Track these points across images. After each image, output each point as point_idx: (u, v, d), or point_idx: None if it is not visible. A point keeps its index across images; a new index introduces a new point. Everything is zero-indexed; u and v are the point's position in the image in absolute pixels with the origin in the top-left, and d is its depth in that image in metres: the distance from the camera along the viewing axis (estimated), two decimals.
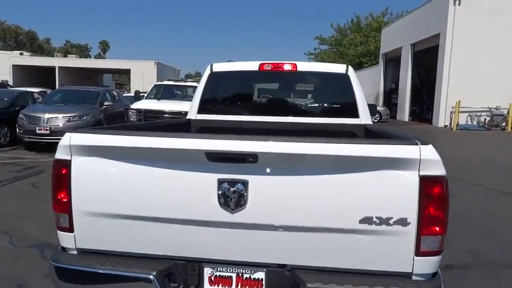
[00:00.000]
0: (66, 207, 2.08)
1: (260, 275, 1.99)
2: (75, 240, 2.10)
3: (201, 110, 4.17)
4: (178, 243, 2.02)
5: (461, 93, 18.36)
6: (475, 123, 19.14)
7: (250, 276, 2.00)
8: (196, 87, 12.17)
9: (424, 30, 21.10)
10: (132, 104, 12.11)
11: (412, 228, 1.83)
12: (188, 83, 12.74)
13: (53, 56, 50.38)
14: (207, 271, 2.02)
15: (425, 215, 1.83)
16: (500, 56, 18.05)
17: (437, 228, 1.85)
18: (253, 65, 4.15)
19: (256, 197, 1.88)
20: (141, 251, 2.06)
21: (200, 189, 1.93)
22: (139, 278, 1.96)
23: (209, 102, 4.26)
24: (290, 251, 1.95)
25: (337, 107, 4.12)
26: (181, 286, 2.03)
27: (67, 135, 2.05)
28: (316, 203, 1.87)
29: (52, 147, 10.63)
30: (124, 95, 16.27)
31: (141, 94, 12.54)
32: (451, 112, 18.94)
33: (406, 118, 23.84)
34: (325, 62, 42.63)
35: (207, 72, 4.19)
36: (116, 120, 12.46)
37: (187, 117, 4.27)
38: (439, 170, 1.82)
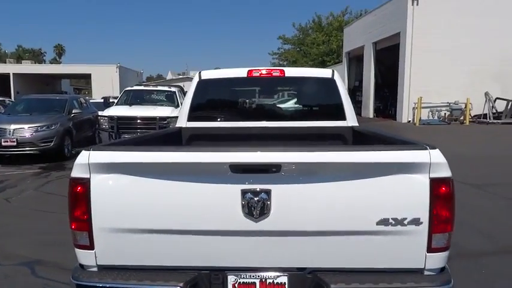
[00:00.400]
0: (85, 225, 2.07)
1: (283, 279, 2.07)
2: (95, 257, 2.10)
3: (191, 118, 4.18)
4: (202, 254, 2.07)
5: (422, 89, 19.20)
6: (436, 117, 20.07)
7: (273, 281, 2.07)
8: (167, 91, 12.21)
9: (385, 30, 21.89)
10: (101, 110, 11.85)
11: (425, 227, 1.97)
12: (159, 88, 12.60)
13: (5, 62, 47.94)
14: (231, 279, 2.08)
15: (436, 214, 1.97)
16: (457, 52, 19.00)
17: (446, 226, 2.01)
18: (241, 72, 4.22)
19: (279, 205, 1.96)
20: (165, 264, 2.09)
21: (224, 200, 1.98)
22: None
23: (199, 110, 4.28)
24: (311, 255, 2.05)
25: (325, 111, 4.27)
26: None
27: (84, 153, 2.04)
28: (335, 207, 1.97)
29: (19, 160, 10.23)
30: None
31: (110, 101, 12.27)
32: (413, 108, 19.76)
33: (371, 115, 24.62)
34: (289, 61, 43.40)
35: (196, 79, 4.21)
36: (85, 128, 12.13)
37: (177, 125, 4.27)
38: (446, 172, 1.97)
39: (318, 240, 2.02)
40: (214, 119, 4.28)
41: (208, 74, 4.25)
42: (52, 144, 10.08)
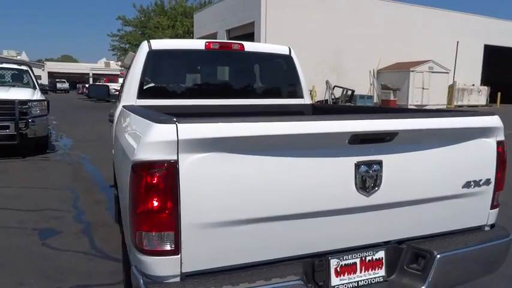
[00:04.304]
0: (170, 224, 1.56)
1: (380, 254, 1.98)
2: (181, 264, 1.61)
3: (141, 95, 3.55)
4: (307, 239, 1.80)
5: None
6: None
7: (372, 257, 1.97)
8: (16, 69, 10.05)
9: (239, 18, 22.66)
10: None
11: (491, 186, 2.16)
12: (5, 65, 10.20)
13: None
14: (333, 263, 1.88)
15: (499, 174, 2.18)
16: (304, 45, 20.98)
17: (502, 184, 2.24)
18: (198, 44, 3.80)
19: (389, 176, 1.86)
20: (266, 258, 1.74)
21: (337, 175, 1.77)
22: None
23: (150, 85, 3.68)
24: (406, 225, 2.01)
25: (284, 88, 4.18)
26: (312, 286, 1.83)
27: (167, 127, 1.52)
28: (434, 174, 1.99)
29: None
30: None
31: None
32: None
33: None
34: (132, 44, 40.94)
35: (144, 49, 3.58)
36: None
37: (123, 103, 3.56)
38: (503, 136, 2.20)
39: (414, 209, 1.99)
40: (168, 96, 3.72)
41: (159, 44, 3.67)
42: None
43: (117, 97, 4.94)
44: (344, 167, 1.77)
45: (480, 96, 27.83)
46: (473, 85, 27.87)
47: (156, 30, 39.61)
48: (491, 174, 2.14)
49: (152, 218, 1.56)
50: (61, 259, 3.64)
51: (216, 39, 25.54)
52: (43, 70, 64.76)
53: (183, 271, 1.62)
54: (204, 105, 3.69)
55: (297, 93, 4.13)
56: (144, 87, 3.58)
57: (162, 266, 1.60)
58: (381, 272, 1.98)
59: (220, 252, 1.66)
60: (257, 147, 1.63)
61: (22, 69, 10.08)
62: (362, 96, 22.09)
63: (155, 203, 1.55)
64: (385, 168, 1.84)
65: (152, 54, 3.57)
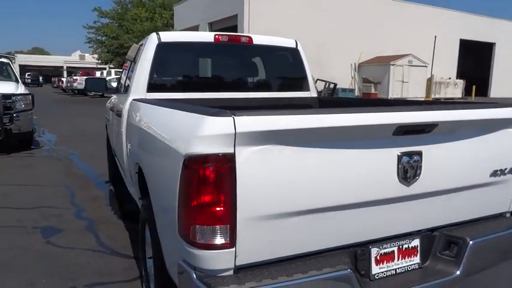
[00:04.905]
0: (226, 217, 1.55)
1: (416, 242, 2.04)
2: (235, 257, 1.60)
3: (150, 88, 3.49)
4: (352, 229, 1.84)
5: None
6: None
7: (408, 245, 2.02)
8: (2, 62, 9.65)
9: (221, 11, 22.47)
10: None
11: None
12: None
13: None
14: (374, 252, 1.92)
15: None
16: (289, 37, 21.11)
17: None
18: (207, 36, 3.76)
19: (428, 166, 1.91)
20: (314, 248, 1.76)
21: (382, 166, 1.81)
22: (335, 278, 1.70)
23: (160, 79, 3.62)
24: (440, 213, 2.07)
25: (292, 81, 4.20)
26: (356, 275, 1.86)
27: (224, 119, 1.50)
28: (466, 164, 2.06)
29: None
30: None
31: None
32: None
33: None
34: (109, 36, 39.99)
35: (153, 42, 3.51)
36: None
37: (132, 97, 3.49)
38: None
39: (447, 198, 2.05)
40: (178, 89, 3.67)
41: (168, 36, 3.61)
42: None
43: (117, 91, 4.84)
44: (388, 157, 1.81)
45: (456, 89, 28.57)
46: (449, 78, 28.59)
47: (134, 22, 38.78)
48: None
49: (207, 211, 1.55)
50: (69, 257, 3.56)
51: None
52: (14, 63, 62.62)
53: (237, 264, 1.61)
54: (214, 98, 3.66)
55: (304, 86, 4.16)
56: (154, 81, 3.52)
57: (216, 260, 1.59)
58: (416, 260, 2.04)
59: (272, 244, 1.67)
60: (309, 140, 1.64)
61: (2, 62, 9.70)
62: (344, 90, 22.32)
63: (210, 197, 1.54)
64: (424, 158, 1.89)
65: (162, 47, 3.51)
